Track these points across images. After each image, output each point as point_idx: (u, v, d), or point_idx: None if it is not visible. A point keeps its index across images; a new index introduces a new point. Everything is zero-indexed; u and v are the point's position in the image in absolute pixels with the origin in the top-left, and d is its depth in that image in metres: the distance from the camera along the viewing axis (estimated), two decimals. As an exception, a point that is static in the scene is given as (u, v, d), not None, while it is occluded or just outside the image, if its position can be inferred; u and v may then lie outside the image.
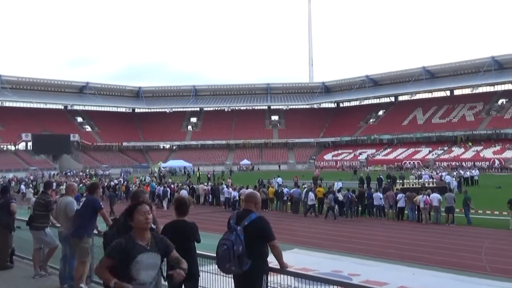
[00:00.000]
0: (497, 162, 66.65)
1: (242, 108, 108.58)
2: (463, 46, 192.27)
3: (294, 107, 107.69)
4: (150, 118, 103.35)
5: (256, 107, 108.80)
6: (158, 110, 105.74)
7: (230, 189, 29.22)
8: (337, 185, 29.12)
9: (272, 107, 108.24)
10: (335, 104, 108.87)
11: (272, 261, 5.17)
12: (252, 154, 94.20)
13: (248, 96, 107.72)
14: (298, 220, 23.73)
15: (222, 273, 5.34)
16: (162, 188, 31.04)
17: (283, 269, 5.04)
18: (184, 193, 26.32)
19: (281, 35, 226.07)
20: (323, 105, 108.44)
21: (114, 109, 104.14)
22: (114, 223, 5.94)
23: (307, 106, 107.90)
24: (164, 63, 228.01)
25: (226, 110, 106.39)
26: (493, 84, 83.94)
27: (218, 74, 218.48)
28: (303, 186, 28.32)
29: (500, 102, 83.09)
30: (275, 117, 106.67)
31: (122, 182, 39.47)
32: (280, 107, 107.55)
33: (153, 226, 5.69)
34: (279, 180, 37.38)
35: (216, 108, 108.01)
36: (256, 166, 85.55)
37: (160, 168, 71.70)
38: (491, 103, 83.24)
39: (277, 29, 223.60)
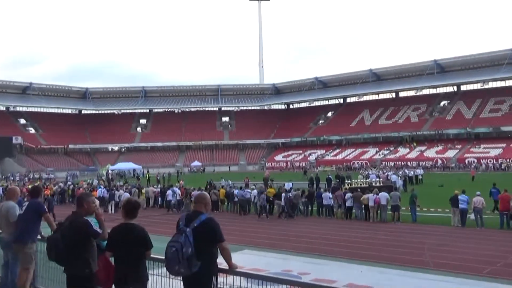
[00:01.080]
0: (439, 161, 69.39)
1: (192, 109, 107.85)
2: (407, 49, 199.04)
3: (245, 108, 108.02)
4: (98, 119, 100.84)
5: (207, 109, 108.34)
6: (106, 111, 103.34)
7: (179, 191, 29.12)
8: (288, 185, 29.40)
9: (223, 109, 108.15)
10: (286, 105, 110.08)
11: (221, 262, 5.15)
12: (203, 156, 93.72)
13: (198, 98, 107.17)
14: (249, 221, 23.79)
15: (171, 276, 5.27)
16: (107, 191, 30.47)
17: (232, 270, 5.03)
18: (126, 196, 26.01)
19: (232, 36, 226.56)
20: (274, 107, 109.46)
21: (60, 111, 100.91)
22: (58, 228, 5.78)
23: (258, 108, 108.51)
24: (112, 64, 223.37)
25: (176, 111, 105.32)
26: (435, 87, 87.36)
27: (169, 75, 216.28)
28: (251, 187, 28.52)
29: (442, 104, 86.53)
30: (226, 119, 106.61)
31: (69, 185, 38.32)
32: (231, 108, 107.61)
33: (99, 230, 5.56)
34: (230, 182, 37.40)
35: (166, 110, 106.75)
36: (208, 167, 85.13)
37: (108, 171, 70.02)
38: (434, 105, 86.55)
39: (228, 31, 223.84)
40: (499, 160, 63.91)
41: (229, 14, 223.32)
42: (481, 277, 11.97)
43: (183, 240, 4.84)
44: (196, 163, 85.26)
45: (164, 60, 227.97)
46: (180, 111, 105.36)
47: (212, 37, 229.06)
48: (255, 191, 26.48)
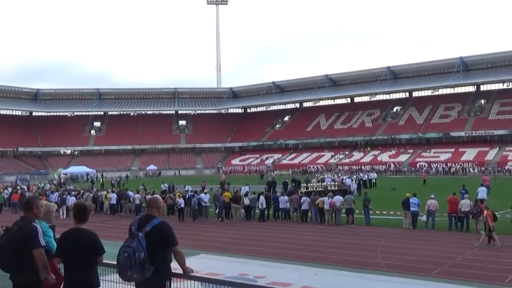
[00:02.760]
0: (392, 165, 71.23)
1: (148, 112, 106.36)
2: (362, 56, 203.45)
3: (201, 112, 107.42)
4: (49, 122, 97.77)
5: (163, 112, 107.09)
6: (58, 114, 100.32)
7: (138, 194, 28.73)
8: (244, 189, 29.43)
9: (179, 112, 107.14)
10: (243, 109, 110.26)
11: (177, 267, 5.09)
12: (159, 159, 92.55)
13: (155, 100, 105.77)
14: (205, 225, 23.64)
15: (123, 282, 5.16)
16: (57, 195, 29.73)
17: (186, 274, 4.97)
18: (72, 200, 25.56)
19: (190, 39, 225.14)
20: (231, 110, 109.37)
21: (8, 112, 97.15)
22: (5, 233, 5.56)
23: (215, 111, 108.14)
24: (65, 64, 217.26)
25: (132, 114, 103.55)
26: (389, 93, 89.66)
27: (124, 77, 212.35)
28: (205, 192, 28.38)
29: (395, 109, 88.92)
30: (182, 122, 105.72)
31: (17, 189, 37.05)
32: (188, 111, 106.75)
33: (44, 240, 5.35)
34: (188, 187, 37.09)
35: (121, 112, 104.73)
36: (164, 171, 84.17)
37: (60, 174, 68.06)
38: (387, 110, 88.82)
39: (185, 33, 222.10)
40: (448, 164, 66.26)
41: (187, 16, 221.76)
42: (430, 277, 12.35)
43: (135, 245, 4.76)
44: (152, 166, 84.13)
45: (120, 61, 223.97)
46: (135, 114, 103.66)
47: (169, 39, 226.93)
48: (208, 195, 26.43)
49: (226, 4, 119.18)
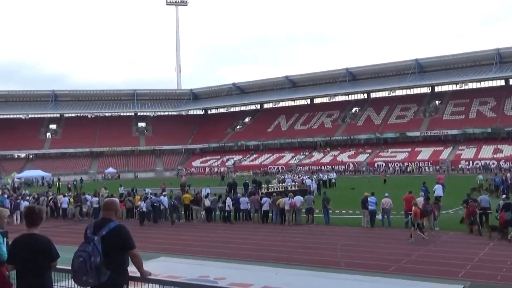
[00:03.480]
0: (351, 165, 72.50)
1: (107, 114, 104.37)
2: (321, 57, 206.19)
3: (161, 113, 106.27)
4: (2, 125, 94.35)
5: (122, 114, 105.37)
6: (11, 116, 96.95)
7: (96, 197, 28.16)
8: (205, 191, 29.32)
9: (139, 114, 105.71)
10: (203, 111, 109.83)
11: (135, 271, 5.03)
12: (118, 162, 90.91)
13: (113, 102, 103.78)
14: (166, 228, 23.40)
15: (78, 287, 5.05)
16: (11, 200, 28.84)
17: (144, 278, 4.92)
18: (25, 204, 24.87)
19: (149, 40, 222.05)
20: (191, 112, 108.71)
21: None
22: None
23: (175, 113, 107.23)
24: (20, 65, 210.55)
25: (89, 116, 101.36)
26: (347, 94, 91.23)
27: (82, 78, 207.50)
28: (163, 194, 28.11)
29: (353, 110, 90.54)
30: (142, 124, 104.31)
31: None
32: (147, 113, 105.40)
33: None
34: (148, 190, 36.58)
35: (78, 115, 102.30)
36: (123, 174, 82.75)
37: (14, 179, 65.85)
38: (346, 111, 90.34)
39: (145, 34, 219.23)
40: (405, 164, 68.01)
41: (146, 17, 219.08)
42: (387, 274, 12.64)
43: (90, 250, 4.67)
44: (111, 169, 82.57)
45: (78, 63, 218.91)
46: (93, 116, 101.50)
47: (128, 40, 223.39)
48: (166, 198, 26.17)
49: (186, 5, 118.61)
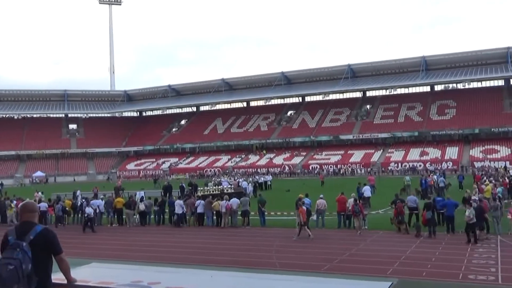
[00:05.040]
0: (287, 167, 73.59)
1: (35, 115, 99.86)
2: (257, 61, 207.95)
3: (94, 115, 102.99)
4: None
5: (51, 115, 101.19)
6: None
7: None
8: (139, 194, 28.74)
9: (70, 115, 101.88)
10: (138, 113, 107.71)
11: (61, 277, 4.82)
12: (47, 165, 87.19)
13: (42, 103, 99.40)
14: (97, 233, 22.66)
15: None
16: None
17: (71, 284, 4.73)
18: None
19: (81, 40, 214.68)
20: (126, 114, 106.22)
21: None
22: None
23: (109, 115, 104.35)
24: None
25: (16, 117, 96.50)
26: (283, 97, 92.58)
27: (9, 79, 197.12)
28: (95, 198, 27.27)
29: (289, 113, 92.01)
30: (73, 126, 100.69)
31: None
32: (79, 115, 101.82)
33: None
34: (78, 192, 35.34)
35: (4, 116, 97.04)
36: (52, 178, 79.44)
37: None
38: (282, 114, 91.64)
39: (77, 34, 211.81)
40: (338, 166, 69.96)
41: (78, 16, 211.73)
42: (321, 273, 12.93)
43: (21, 256, 4.40)
44: (39, 173, 79.02)
45: (5, 62, 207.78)
46: (20, 117, 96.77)
47: (59, 39, 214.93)
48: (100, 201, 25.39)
49: (120, 4, 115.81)
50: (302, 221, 18.55)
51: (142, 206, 24.16)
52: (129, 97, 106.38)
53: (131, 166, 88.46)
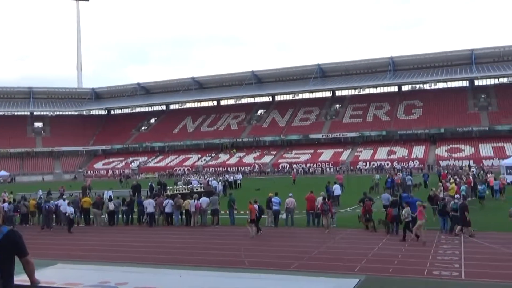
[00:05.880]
0: (257, 166, 73.76)
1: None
2: (228, 60, 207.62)
3: (60, 113, 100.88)
4: None
5: (16, 113, 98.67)
6: None
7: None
8: (107, 194, 28.34)
9: (35, 113, 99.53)
10: (106, 111, 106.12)
11: (25, 279, 4.73)
12: (11, 165, 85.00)
13: (6, 101, 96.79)
14: (63, 234, 22.22)
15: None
16: None
17: (34, 286, 4.65)
18: None
19: (48, 36, 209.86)
20: (93, 112, 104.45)
21: None
22: None
23: (76, 113, 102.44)
24: None
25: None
26: (253, 96, 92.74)
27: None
28: (63, 198, 26.69)
29: (259, 112, 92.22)
30: (38, 124, 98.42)
31: None
32: (45, 113, 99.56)
33: None
34: (39, 192, 34.63)
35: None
36: (17, 177, 77.49)
37: None
38: (252, 113, 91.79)
39: (43, 30, 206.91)
40: (308, 165, 70.54)
41: (45, 11, 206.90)
42: (289, 271, 13.02)
43: None
44: (3, 172, 76.97)
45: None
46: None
47: (25, 35, 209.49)
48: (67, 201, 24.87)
49: (87, 0, 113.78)
50: (250, 218, 19.03)
51: (111, 206, 23.81)
52: (97, 95, 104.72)
53: (99, 165, 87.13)
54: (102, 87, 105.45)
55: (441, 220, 18.74)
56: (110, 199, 24.90)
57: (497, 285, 11.32)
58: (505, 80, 76.89)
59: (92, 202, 24.55)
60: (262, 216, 20.38)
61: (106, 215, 24.15)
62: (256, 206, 19.57)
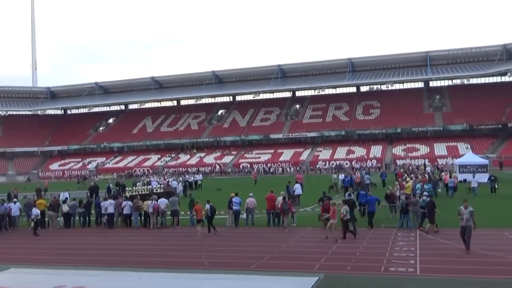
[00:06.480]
0: (217, 167, 73.54)
1: None
2: (188, 59, 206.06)
3: (14, 113, 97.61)
4: None
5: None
6: None
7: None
8: (63, 195, 27.61)
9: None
10: (62, 111, 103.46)
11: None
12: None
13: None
14: (17, 237, 21.49)
15: None
16: None
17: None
18: None
19: (1, 34, 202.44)
20: (49, 112, 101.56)
21: None
22: None
23: (30, 113, 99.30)
24: None
25: None
26: (214, 96, 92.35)
27: None
28: (14, 201, 25.77)
29: (220, 112, 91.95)
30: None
31: None
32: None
33: None
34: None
35: None
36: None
37: None
38: (213, 113, 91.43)
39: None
40: (268, 165, 70.88)
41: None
42: (250, 271, 13.05)
43: None
44: (-48, 174, 73.89)
45: None
46: None
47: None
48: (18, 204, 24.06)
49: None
50: (197, 219, 19.46)
51: (65, 208, 23.17)
52: (52, 94, 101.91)
53: (54, 166, 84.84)
54: (58, 86, 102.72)
55: (401, 218, 19.15)
56: (64, 201, 24.21)
57: (450, 280, 11.69)
58: (458, 81, 79.51)
59: (48, 204, 23.84)
60: (227, 216, 20.34)
61: (62, 217, 23.50)
62: (208, 206, 19.86)
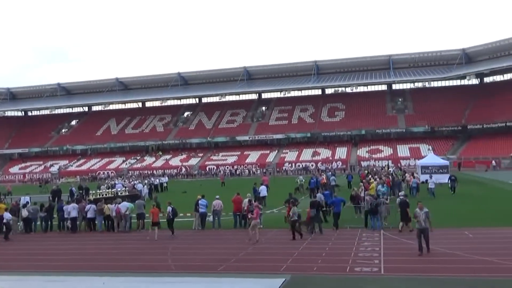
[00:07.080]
0: (183, 169, 73.06)
1: None
2: (153, 61, 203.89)
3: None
4: None
5: None
6: None
7: None
8: (24, 199, 26.87)
9: None
10: (23, 112, 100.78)
11: None
12: None
13: None
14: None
15: None
16: None
17: None
18: None
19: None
20: (8, 113, 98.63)
21: None
22: None
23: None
24: None
25: None
26: (179, 98, 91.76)
27: None
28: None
29: (185, 114, 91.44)
30: None
31: None
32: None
33: None
34: None
35: None
36: None
37: None
38: (178, 115, 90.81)
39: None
40: (235, 167, 70.87)
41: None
42: (216, 273, 13.00)
43: None
44: None
45: None
46: None
47: None
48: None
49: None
50: (152, 221, 19.49)
51: (24, 213, 22.50)
52: (12, 95, 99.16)
53: (15, 169, 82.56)
54: (18, 87, 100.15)
55: (371, 219, 19.35)
56: (24, 206, 23.52)
57: (413, 278, 11.94)
58: (420, 84, 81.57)
59: (8, 208, 23.13)
60: (194, 219, 20.16)
61: (22, 222, 22.84)
62: (169, 208, 20.00)
